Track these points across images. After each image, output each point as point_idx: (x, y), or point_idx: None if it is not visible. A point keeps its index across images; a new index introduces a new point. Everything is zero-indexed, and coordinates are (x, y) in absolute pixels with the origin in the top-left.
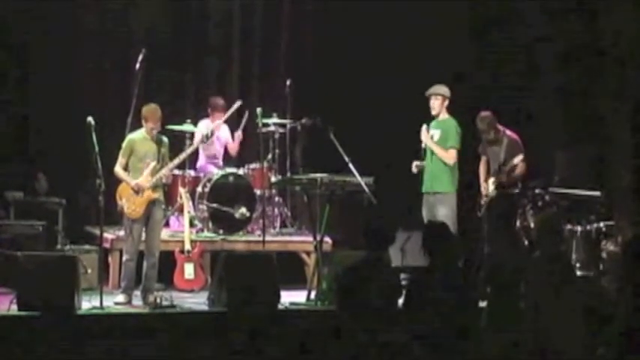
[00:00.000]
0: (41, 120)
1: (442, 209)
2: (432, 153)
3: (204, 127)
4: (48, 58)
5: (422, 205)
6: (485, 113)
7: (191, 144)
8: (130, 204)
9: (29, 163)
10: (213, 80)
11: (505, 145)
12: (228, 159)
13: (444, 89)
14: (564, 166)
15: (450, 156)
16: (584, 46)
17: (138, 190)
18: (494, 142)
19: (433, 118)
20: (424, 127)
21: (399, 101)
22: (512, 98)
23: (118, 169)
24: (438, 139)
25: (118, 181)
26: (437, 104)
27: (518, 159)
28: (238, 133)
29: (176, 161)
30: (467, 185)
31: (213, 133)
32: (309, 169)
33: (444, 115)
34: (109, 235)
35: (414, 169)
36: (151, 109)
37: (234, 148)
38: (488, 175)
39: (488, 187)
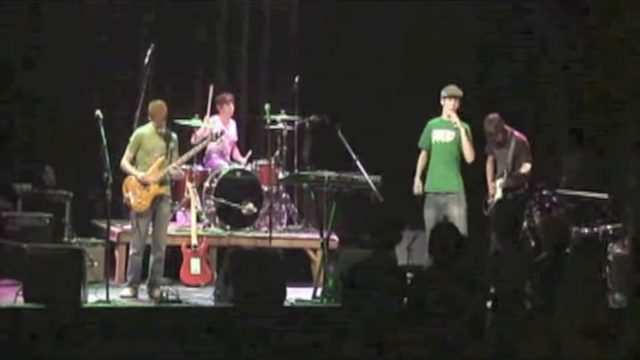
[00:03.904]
0: (49, 113)
1: (456, 209)
2: (445, 152)
3: (213, 122)
4: (57, 52)
5: (426, 206)
6: (492, 116)
7: (202, 140)
8: (136, 197)
9: (37, 155)
10: (222, 76)
11: (513, 146)
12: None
13: (459, 91)
14: (571, 168)
15: (472, 155)
16: (592, 47)
17: (145, 184)
18: (502, 143)
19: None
20: (456, 118)
21: (407, 99)
22: (518, 100)
23: (125, 162)
24: (453, 140)
25: (124, 174)
26: (457, 106)
27: (527, 168)
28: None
29: (185, 157)
30: (474, 184)
31: (223, 133)
32: (316, 166)
33: (456, 117)
34: (115, 229)
35: (417, 190)
36: (156, 107)
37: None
38: (494, 174)
39: (496, 189)
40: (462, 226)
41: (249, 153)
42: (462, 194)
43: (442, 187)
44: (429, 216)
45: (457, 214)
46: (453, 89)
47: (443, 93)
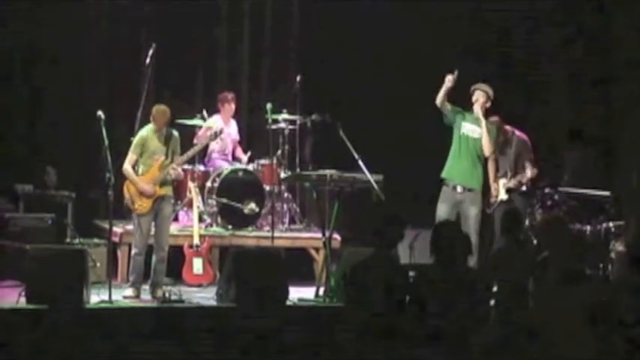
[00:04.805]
0: (51, 114)
1: (473, 209)
2: (472, 147)
3: (214, 122)
4: (59, 53)
5: (440, 200)
6: (493, 119)
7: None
8: (137, 199)
9: (39, 156)
10: (223, 75)
11: (515, 146)
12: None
13: (489, 88)
14: (574, 166)
15: (490, 149)
16: (595, 47)
17: (144, 194)
18: (504, 144)
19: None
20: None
21: (408, 98)
22: (520, 99)
23: (128, 166)
24: (480, 137)
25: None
26: (482, 102)
27: (533, 172)
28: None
29: (184, 157)
30: None
31: (222, 132)
32: (318, 165)
33: (479, 111)
34: (118, 229)
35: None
36: (160, 111)
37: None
38: (497, 173)
39: (499, 189)
40: (475, 226)
41: (249, 154)
42: (480, 192)
43: (462, 181)
44: (442, 211)
45: (473, 213)
46: (479, 84)
47: (472, 88)
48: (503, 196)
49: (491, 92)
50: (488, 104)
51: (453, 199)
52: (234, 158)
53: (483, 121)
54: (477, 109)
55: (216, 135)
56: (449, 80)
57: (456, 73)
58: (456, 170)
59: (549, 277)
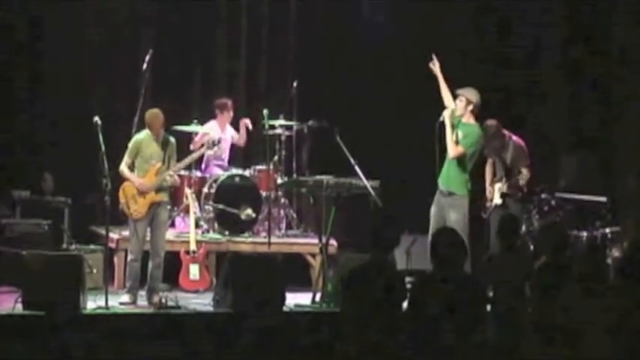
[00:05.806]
0: (48, 120)
1: (453, 214)
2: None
3: (210, 128)
4: (56, 58)
5: (434, 201)
6: (490, 122)
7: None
8: (132, 204)
9: (36, 162)
10: (220, 81)
11: (511, 151)
12: (235, 156)
13: (469, 93)
14: (570, 171)
15: (453, 150)
16: (592, 50)
17: (142, 191)
18: (500, 149)
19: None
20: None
21: (405, 104)
22: (518, 102)
23: (124, 167)
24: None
25: (122, 180)
26: (460, 106)
27: (525, 174)
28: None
29: (181, 164)
30: (472, 187)
31: (220, 141)
32: (315, 171)
33: (469, 120)
34: (114, 235)
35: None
36: (152, 116)
37: (241, 139)
38: (493, 177)
39: (494, 193)
40: (459, 231)
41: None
42: (464, 197)
43: (442, 183)
44: (432, 212)
45: (453, 218)
46: (461, 89)
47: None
48: (497, 200)
49: (472, 96)
50: (470, 107)
51: (440, 202)
52: (233, 157)
53: (448, 123)
54: (445, 112)
55: (213, 144)
56: (433, 69)
57: (434, 58)
58: (441, 172)
59: (571, 290)
